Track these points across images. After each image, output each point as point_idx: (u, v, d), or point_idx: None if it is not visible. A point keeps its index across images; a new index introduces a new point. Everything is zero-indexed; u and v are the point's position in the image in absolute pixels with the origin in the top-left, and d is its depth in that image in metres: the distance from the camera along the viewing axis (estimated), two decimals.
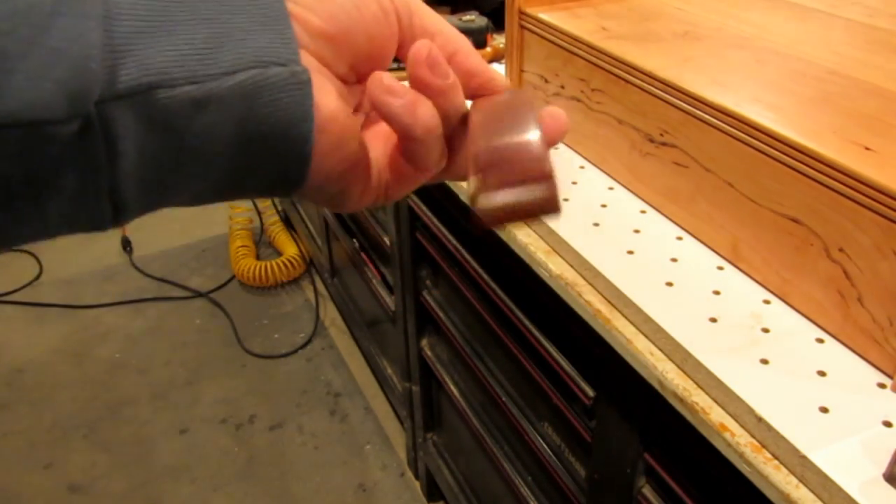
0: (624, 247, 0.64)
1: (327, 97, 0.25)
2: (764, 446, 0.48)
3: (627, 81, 0.67)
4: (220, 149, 0.23)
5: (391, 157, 0.29)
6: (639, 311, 0.57)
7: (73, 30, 0.19)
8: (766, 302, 0.57)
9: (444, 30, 0.28)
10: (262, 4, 0.23)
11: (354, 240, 1.47)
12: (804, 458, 0.45)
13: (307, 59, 0.24)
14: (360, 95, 0.29)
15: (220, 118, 0.22)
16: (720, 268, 0.61)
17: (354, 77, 0.27)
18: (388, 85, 0.25)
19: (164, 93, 0.21)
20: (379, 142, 0.29)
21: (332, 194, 0.27)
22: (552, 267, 0.66)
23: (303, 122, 0.24)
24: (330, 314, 1.97)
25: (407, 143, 0.27)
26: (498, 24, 1.13)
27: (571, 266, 0.66)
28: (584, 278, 0.64)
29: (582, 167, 0.77)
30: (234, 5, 0.23)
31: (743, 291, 0.59)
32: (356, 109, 0.29)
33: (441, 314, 1.08)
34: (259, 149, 0.24)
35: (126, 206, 0.22)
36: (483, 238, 0.84)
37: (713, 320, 0.56)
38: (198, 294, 2.04)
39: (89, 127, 0.20)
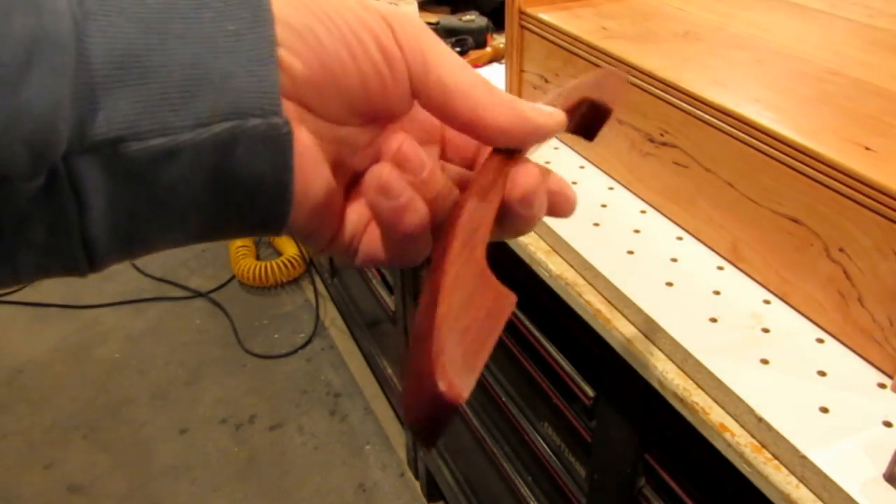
0: (624, 247, 0.64)
1: (301, 157, 0.23)
2: (764, 446, 0.48)
3: (627, 81, 0.67)
4: (194, 198, 0.22)
5: (370, 230, 0.27)
6: (639, 311, 0.57)
7: (44, 86, 0.18)
8: (766, 302, 0.57)
9: (463, 85, 0.25)
10: (248, 44, 0.21)
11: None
12: (804, 458, 0.45)
13: (289, 108, 0.23)
14: (369, 136, 0.27)
15: (193, 169, 0.21)
16: (720, 268, 0.61)
17: (359, 120, 0.26)
18: (383, 184, 0.24)
19: (134, 145, 0.20)
20: (363, 207, 0.27)
21: (301, 236, 0.26)
22: (552, 267, 0.66)
23: (282, 176, 0.23)
24: (330, 314, 1.97)
25: (386, 240, 0.26)
26: (498, 24, 1.13)
27: (571, 266, 0.66)
28: (584, 278, 0.64)
29: (582, 167, 0.77)
30: (218, 45, 0.21)
31: (743, 291, 0.59)
32: (361, 151, 0.27)
33: None
34: (236, 199, 0.23)
35: (100, 256, 0.21)
36: None
37: (713, 320, 0.56)
38: (198, 294, 2.04)
39: (56, 181, 0.19)
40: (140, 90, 0.20)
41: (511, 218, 0.26)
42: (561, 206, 0.29)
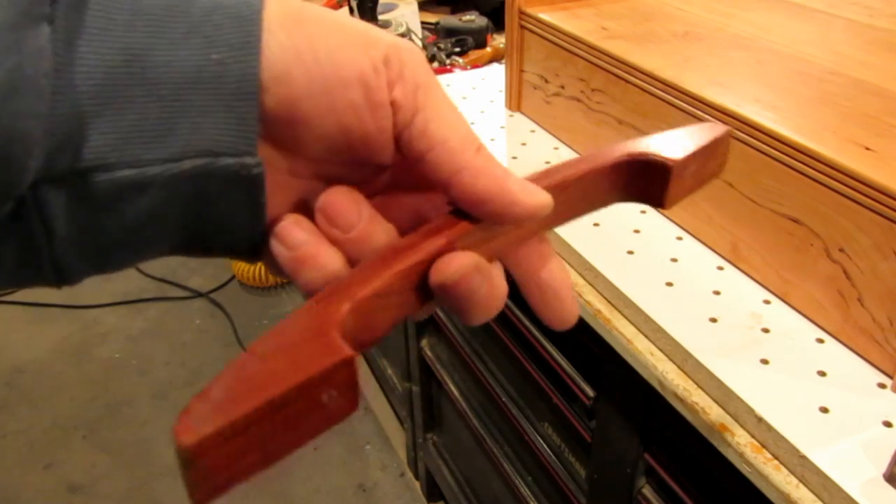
0: (624, 247, 0.64)
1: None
2: (764, 446, 0.48)
3: (627, 81, 0.67)
4: (164, 228, 0.22)
5: None
6: (639, 311, 0.57)
7: (15, 128, 0.18)
8: (766, 302, 0.57)
9: (450, 143, 0.23)
10: (232, 76, 0.21)
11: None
12: (804, 458, 0.45)
13: (262, 145, 0.22)
14: (365, 173, 0.25)
15: (162, 202, 0.21)
16: (720, 268, 0.61)
17: (344, 160, 0.24)
18: (277, 230, 0.23)
19: (101, 176, 0.20)
20: None
21: (274, 270, 0.26)
22: None
23: (254, 214, 0.23)
24: None
25: None
26: (498, 24, 1.13)
27: (571, 266, 0.66)
28: (584, 278, 0.64)
29: None
30: (200, 77, 0.20)
31: (743, 291, 0.59)
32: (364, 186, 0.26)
33: (441, 314, 1.08)
34: (207, 232, 0.23)
35: (71, 275, 0.21)
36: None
37: (713, 320, 0.56)
38: (198, 294, 2.04)
39: (24, 207, 0.19)
40: (114, 121, 0.20)
41: (438, 298, 0.24)
42: (550, 305, 0.27)
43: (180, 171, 0.21)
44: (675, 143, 0.28)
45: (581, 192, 0.27)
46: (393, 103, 0.23)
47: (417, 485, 1.49)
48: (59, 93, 0.19)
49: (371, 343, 0.23)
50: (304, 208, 0.24)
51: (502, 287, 0.25)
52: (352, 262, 0.23)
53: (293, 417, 0.19)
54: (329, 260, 0.23)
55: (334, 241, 0.23)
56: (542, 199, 0.24)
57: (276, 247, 0.23)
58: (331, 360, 0.19)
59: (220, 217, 0.22)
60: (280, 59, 0.21)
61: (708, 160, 0.29)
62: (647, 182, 0.28)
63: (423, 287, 0.23)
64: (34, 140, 0.18)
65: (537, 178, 0.26)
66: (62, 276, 0.21)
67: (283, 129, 0.22)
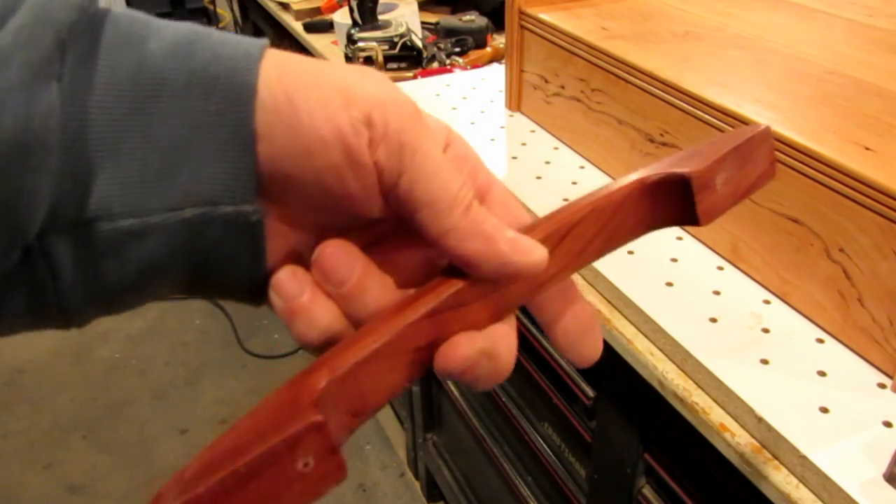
0: (624, 247, 0.64)
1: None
2: (764, 446, 0.48)
3: (627, 81, 0.67)
4: (167, 274, 0.22)
5: None
6: (639, 311, 0.57)
7: (23, 182, 0.19)
8: (766, 302, 0.57)
9: (437, 203, 0.22)
10: (228, 126, 0.21)
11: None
12: (804, 458, 0.45)
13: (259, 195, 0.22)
14: (357, 221, 0.25)
15: (164, 248, 0.21)
16: (720, 268, 0.61)
17: (336, 213, 0.24)
18: (274, 281, 0.23)
19: (104, 225, 0.20)
20: None
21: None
22: None
23: (255, 260, 0.23)
24: None
25: None
26: (498, 24, 1.13)
27: None
28: (585, 279, 0.64)
29: (582, 167, 0.77)
30: (200, 122, 0.21)
31: (743, 291, 0.59)
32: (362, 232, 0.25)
33: None
34: (210, 277, 0.23)
35: (79, 319, 0.22)
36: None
37: (713, 320, 0.56)
38: None
39: (31, 256, 0.20)
40: (117, 172, 0.20)
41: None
42: (574, 349, 0.26)
43: (181, 219, 0.21)
44: (696, 155, 0.27)
45: (596, 229, 0.25)
46: (376, 164, 0.22)
47: (417, 485, 1.49)
48: (66, 147, 0.19)
49: (371, 410, 0.22)
50: (305, 257, 0.24)
51: (509, 359, 0.24)
52: (347, 314, 0.23)
53: (271, 489, 0.19)
54: (322, 314, 0.23)
55: (329, 295, 0.23)
56: (535, 257, 0.23)
57: (272, 296, 0.23)
58: (294, 427, 0.19)
59: (222, 263, 0.23)
60: (261, 118, 0.21)
61: (744, 164, 0.28)
62: (672, 203, 0.26)
63: (425, 349, 0.23)
64: (42, 194, 0.19)
65: (539, 224, 0.24)
66: (69, 320, 0.22)
67: (271, 183, 0.22)
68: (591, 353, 0.27)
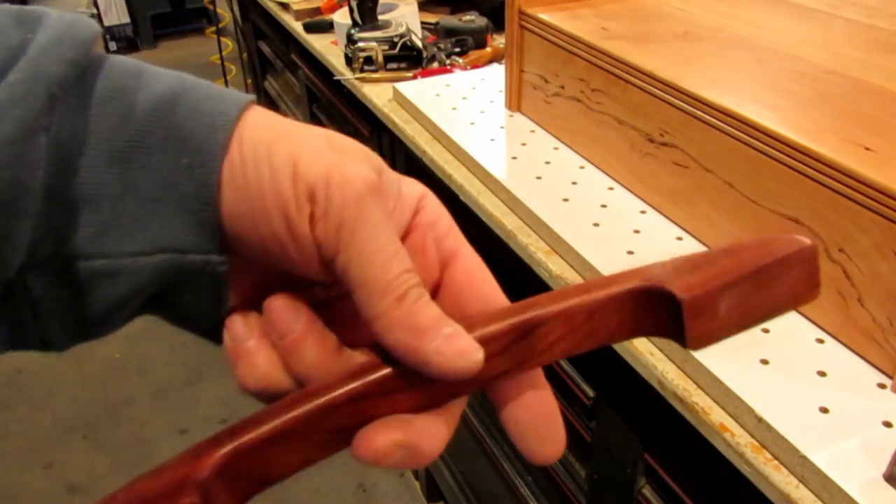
0: (624, 247, 0.64)
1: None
2: (764, 446, 0.48)
3: (627, 82, 0.67)
4: (136, 308, 0.24)
5: None
6: None
7: (8, 230, 0.20)
8: None
9: (369, 286, 0.22)
10: (197, 178, 0.22)
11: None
12: (804, 458, 0.45)
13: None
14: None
15: (133, 288, 0.23)
16: None
17: (277, 272, 0.25)
18: (229, 323, 0.24)
19: (80, 263, 0.22)
20: None
21: None
22: (552, 267, 0.66)
23: (216, 305, 0.24)
24: None
25: None
26: (498, 24, 1.13)
27: (571, 266, 0.66)
28: (584, 278, 0.64)
29: (582, 167, 0.77)
30: (173, 176, 0.22)
31: None
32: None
33: None
34: (175, 316, 0.25)
35: (56, 346, 0.23)
36: (484, 238, 0.84)
37: None
38: None
39: (12, 290, 0.21)
40: (95, 218, 0.22)
41: None
42: (526, 441, 0.25)
43: (150, 263, 0.22)
44: (706, 264, 0.23)
45: (566, 330, 0.23)
46: (314, 238, 0.22)
47: (417, 485, 1.49)
48: (49, 195, 0.21)
49: (280, 479, 0.22)
50: (260, 304, 0.25)
51: (431, 450, 0.23)
52: (287, 367, 0.24)
53: None
54: (262, 360, 0.24)
55: (274, 345, 0.24)
56: (464, 361, 0.22)
57: (224, 335, 0.24)
58: None
59: (185, 304, 0.24)
60: (226, 177, 0.23)
61: (767, 286, 0.23)
62: (661, 318, 0.23)
63: (346, 430, 0.22)
64: (23, 236, 0.20)
65: (498, 316, 0.23)
66: (48, 347, 0.23)
67: (232, 238, 0.23)
68: (547, 451, 0.25)
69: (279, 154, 0.22)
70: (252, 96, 0.24)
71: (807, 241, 0.24)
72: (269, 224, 0.22)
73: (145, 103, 0.22)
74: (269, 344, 0.24)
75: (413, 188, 0.26)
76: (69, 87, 0.21)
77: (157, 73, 0.23)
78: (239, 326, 0.24)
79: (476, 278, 0.26)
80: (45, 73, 0.20)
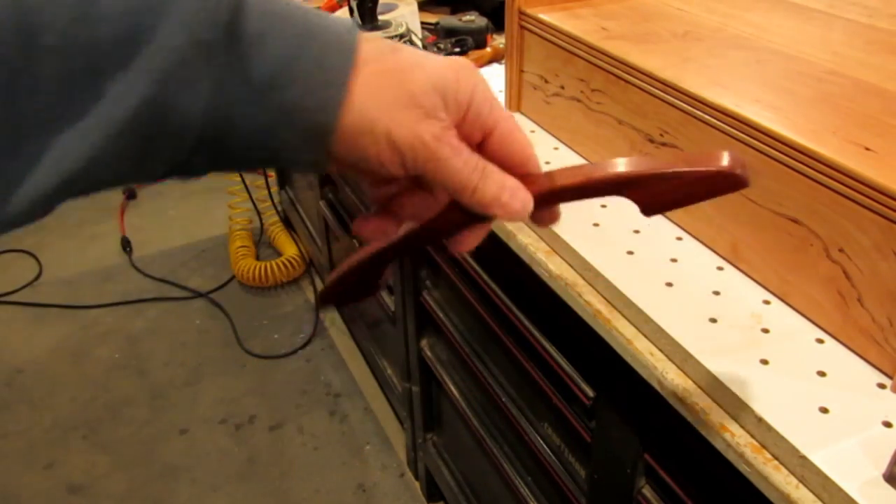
0: (624, 247, 0.64)
1: None
2: (764, 446, 0.48)
3: (627, 82, 0.67)
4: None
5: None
6: (639, 311, 0.57)
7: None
8: (766, 302, 0.57)
9: (452, 189, 0.33)
10: (315, 106, 0.30)
11: (355, 240, 1.47)
12: (804, 458, 0.45)
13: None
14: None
15: (263, 145, 0.30)
16: (720, 268, 0.61)
17: None
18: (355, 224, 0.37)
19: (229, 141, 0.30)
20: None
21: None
22: (552, 267, 0.66)
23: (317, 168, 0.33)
24: (330, 314, 1.97)
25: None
26: (498, 24, 1.13)
27: (571, 266, 0.66)
28: (584, 279, 0.64)
29: None
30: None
31: (743, 291, 0.59)
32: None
33: (441, 314, 1.08)
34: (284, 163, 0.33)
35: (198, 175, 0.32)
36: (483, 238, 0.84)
37: (713, 320, 0.56)
38: (197, 294, 2.04)
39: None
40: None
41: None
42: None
43: (289, 122, 0.30)
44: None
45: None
46: (405, 173, 0.32)
47: (417, 485, 1.49)
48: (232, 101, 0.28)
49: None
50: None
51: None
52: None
53: None
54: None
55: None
56: (514, 206, 0.33)
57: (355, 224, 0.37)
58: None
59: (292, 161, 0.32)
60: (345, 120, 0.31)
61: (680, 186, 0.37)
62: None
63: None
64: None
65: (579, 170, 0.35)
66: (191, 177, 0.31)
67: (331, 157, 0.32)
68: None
69: (378, 127, 0.30)
70: (354, 56, 0.30)
71: (705, 168, 0.36)
72: (369, 166, 0.31)
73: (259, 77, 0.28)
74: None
75: (469, 82, 0.32)
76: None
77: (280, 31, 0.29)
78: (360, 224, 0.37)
79: (514, 149, 0.34)
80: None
